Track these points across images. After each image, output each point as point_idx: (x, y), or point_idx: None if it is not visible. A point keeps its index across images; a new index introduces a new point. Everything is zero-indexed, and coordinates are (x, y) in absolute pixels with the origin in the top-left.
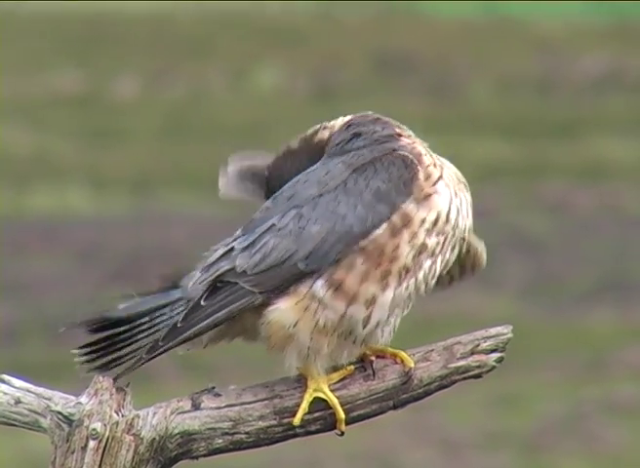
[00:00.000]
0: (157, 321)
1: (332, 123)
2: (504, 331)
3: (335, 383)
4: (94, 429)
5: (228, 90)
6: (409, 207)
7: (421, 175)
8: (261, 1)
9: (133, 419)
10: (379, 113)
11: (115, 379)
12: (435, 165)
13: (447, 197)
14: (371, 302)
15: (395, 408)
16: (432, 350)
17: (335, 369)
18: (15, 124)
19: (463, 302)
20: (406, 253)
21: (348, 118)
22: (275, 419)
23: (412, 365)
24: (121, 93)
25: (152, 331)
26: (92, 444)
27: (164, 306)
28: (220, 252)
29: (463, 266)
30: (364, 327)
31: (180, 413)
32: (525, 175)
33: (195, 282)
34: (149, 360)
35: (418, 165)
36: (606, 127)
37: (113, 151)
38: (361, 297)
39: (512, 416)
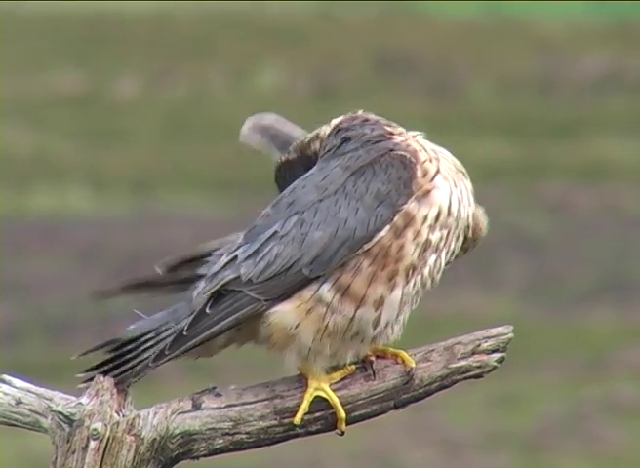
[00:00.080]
0: (163, 335)
1: (322, 131)
2: (505, 331)
3: (336, 383)
4: (94, 429)
5: (229, 90)
6: (410, 206)
7: (419, 173)
8: (261, 1)
9: (133, 419)
10: (378, 113)
11: (119, 385)
12: (431, 160)
13: (446, 190)
14: (380, 303)
15: (396, 408)
16: (433, 350)
17: (336, 368)
18: (15, 124)
19: (464, 302)
20: (411, 252)
21: (337, 121)
22: (276, 419)
23: (413, 365)
24: (121, 93)
25: (158, 341)
26: (92, 444)
27: (169, 321)
28: (224, 260)
29: (465, 238)
30: (374, 328)
31: (180, 414)
32: (525, 175)
33: (200, 292)
34: (155, 368)
35: (415, 163)
36: (606, 127)
37: (114, 151)
38: (369, 299)
39: (512, 416)
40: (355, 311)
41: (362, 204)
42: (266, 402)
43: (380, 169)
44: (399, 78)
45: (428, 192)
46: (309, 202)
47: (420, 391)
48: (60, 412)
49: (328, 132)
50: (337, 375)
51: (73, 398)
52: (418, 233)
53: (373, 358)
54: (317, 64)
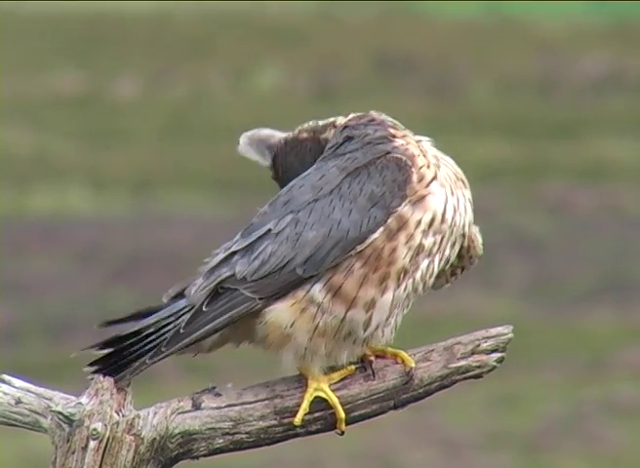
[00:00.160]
0: (163, 330)
1: (338, 122)
2: (505, 331)
3: (335, 383)
4: (94, 429)
5: (229, 90)
6: (404, 209)
7: (415, 178)
8: (261, 1)
9: (133, 419)
10: (370, 113)
11: (117, 382)
12: (429, 165)
13: (442, 197)
14: (370, 306)
15: (396, 408)
16: (433, 350)
17: (335, 368)
18: (15, 124)
19: (464, 302)
20: (403, 256)
21: (347, 118)
22: (276, 419)
23: (412, 365)
24: (121, 93)
25: (158, 337)
26: (92, 444)
27: (169, 316)
28: (221, 256)
29: (461, 256)
30: (365, 330)
31: (180, 413)
32: (525, 176)
33: (198, 289)
34: (152, 365)
35: (411, 167)
36: (606, 127)
37: (114, 151)
38: (360, 301)
39: (512, 416)
40: (346, 312)
41: (356, 205)
42: (266, 402)
43: (376, 171)
44: (399, 78)
45: (423, 197)
46: (304, 201)
47: (420, 391)
48: (60, 412)
49: (341, 124)
50: (336, 376)
51: (73, 398)
52: (410, 237)
53: (372, 358)
54: (317, 64)
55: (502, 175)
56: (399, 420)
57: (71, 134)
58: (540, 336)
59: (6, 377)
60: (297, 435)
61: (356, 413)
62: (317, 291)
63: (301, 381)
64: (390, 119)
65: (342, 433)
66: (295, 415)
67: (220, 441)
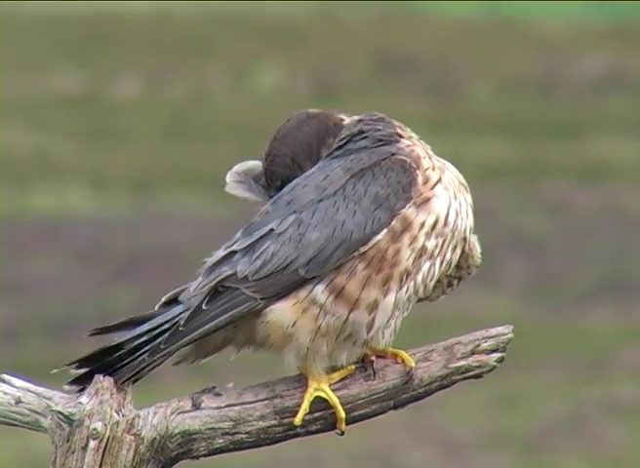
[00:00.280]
0: (158, 331)
1: (349, 119)
2: (505, 331)
3: (335, 383)
4: (94, 429)
5: (229, 90)
6: (408, 211)
7: (420, 180)
8: (261, 1)
9: (133, 419)
10: (380, 113)
11: (117, 382)
12: (434, 168)
13: (445, 200)
14: (374, 307)
15: (396, 407)
16: (433, 350)
17: (335, 368)
18: (15, 124)
19: (464, 302)
20: (407, 257)
21: (359, 116)
22: (276, 419)
23: (412, 365)
24: (121, 93)
25: (157, 335)
26: (92, 443)
27: (164, 323)
28: (221, 254)
29: (459, 266)
30: (368, 331)
31: (180, 413)
32: (525, 175)
33: (197, 287)
34: (151, 363)
35: (416, 169)
36: (606, 127)
37: (114, 151)
38: (363, 303)
39: (512, 416)
40: (349, 314)
41: (360, 206)
42: (266, 401)
43: (380, 172)
44: (399, 78)
45: (428, 199)
46: (308, 202)
47: (420, 391)
48: (60, 412)
49: (348, 122)
50: (336, 375)
51: (73, 397)
52: (414, 239)
53: (373, 358)
54: (317, 64)
55: (502, 175)
56: (399, 420)
57: (71, 133)
58: (540, 336)
59: (6, 377)
60: (297, 435)
61: (356, 413)
62: (320, 291)
63: (302, 381)
64: (397, 122)
65: (343, 433)
66: (295, 415)
67: (220, 441)
